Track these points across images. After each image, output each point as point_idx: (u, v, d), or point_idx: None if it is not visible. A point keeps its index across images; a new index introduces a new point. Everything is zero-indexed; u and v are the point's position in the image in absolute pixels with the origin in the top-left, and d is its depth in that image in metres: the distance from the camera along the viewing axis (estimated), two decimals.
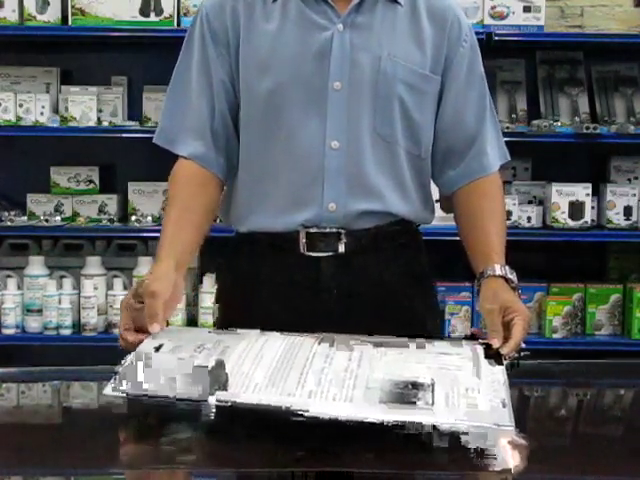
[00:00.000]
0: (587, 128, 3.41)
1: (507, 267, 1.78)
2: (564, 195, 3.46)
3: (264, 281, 1.82)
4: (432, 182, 1.90)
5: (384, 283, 1.82)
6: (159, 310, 1.59)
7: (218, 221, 3.52)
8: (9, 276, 3.56)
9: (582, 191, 3.46)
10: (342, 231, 1.77)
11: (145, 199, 3.60)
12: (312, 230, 1.77)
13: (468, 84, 1.83)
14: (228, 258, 1.90)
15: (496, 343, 1.59)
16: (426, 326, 1.84)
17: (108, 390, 1.37)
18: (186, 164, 1.82)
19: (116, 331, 3.48)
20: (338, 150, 1.75)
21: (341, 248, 1.78)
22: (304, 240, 1.78)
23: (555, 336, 3.52)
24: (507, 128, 3.43)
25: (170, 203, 1.81)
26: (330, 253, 1.78)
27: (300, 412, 1.30)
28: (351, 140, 1.76)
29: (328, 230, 1.77)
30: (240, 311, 1.82)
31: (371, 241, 1.80)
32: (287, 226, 1.78)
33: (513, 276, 1.76)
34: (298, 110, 1.75)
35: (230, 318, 1.84)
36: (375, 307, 1.81)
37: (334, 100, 1.74)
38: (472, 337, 1.66)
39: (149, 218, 3.54)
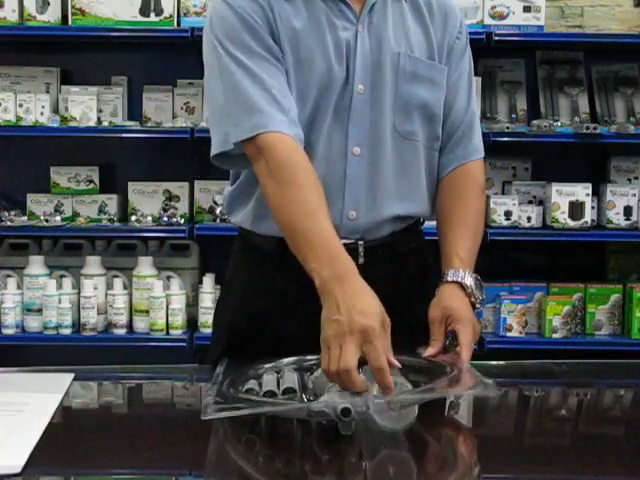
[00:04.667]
0: (587, 128, 3.40)
1: (467, 272, 1.70)
2: (564, 195, 3.46)
3: (277, 292, 1.77)
4: None
5: (398, 290, 1.78)
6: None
7: (218, 221, 3.54)
8: (9, 276, 3.56)
9: (582, 191, 3.46)
10: (360, 243, 1.74)
11: (145, 199, 3.60)
12: None
13: (460, 76, 1.84)
14: (235, 262, 1.86)
15: (429, 351, 1.60)
16: None
17: None
18: (284, 138, 1.61)
19: (116, 331, 3.48)
20: (359, 156, 1.73)
21: (360, 260, 1.72)
22: None
23: (555, 336, 3.51)
24: (507, 128, 3.43)
25: (297, 184, 1.58)
26: None
27: None
28: (372, 145, 1.73)
29: (346, 241, 1.66)
30: (251, 322, 1.79)
31: (387, 250, 1.77)
32: None
33: (470, 281, 1.69)
34: (323, 115, 1.70)
35: (239, 327, 1.81)
36: (391, 315, 1.78)
37: (358, 104, 1.71)
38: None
39: (149, 218, 3.53)
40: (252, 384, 1.43)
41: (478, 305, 1.71)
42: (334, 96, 1.70)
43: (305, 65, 1.69)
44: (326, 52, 1.69)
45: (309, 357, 1.58)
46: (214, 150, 1.69)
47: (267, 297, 1.78)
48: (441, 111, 1.81)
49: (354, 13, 1.72)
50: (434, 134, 1.81)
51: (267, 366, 1.54)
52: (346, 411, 1.27)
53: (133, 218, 3.55)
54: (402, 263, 1.81)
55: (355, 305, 1.44)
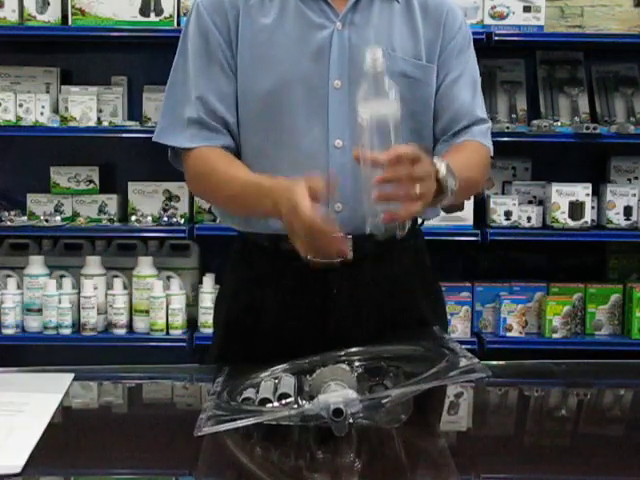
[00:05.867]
0: (587, 128, 3.40)
1: (451, 174, 1.58)
2: (564, 195, 3.46)
3: (270, 286, 1.79)
4: None
5: (391, 287, 1.79)
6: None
7: (218, 221, 3.54)
8: (9, 276, 3.56)
9: (582, 191, 3.46)
10: (349, 237, 1.73)
11: (145, 199, 3.60)
12: None
13: (459, 75, 1.83)
14: (232, 260, 1.88)
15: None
16: (432, 327, 1.82)
17: None
18: (203, 150, 1.78)
19: (116, 331, 3.48)
20: (342, 149, 1.75)
21: (350, 255, 1.71)
22: None
23: (555, 336, 3.51)
24: (507, 128, 3.42)
25: (217, 173, 1.75)
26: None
27: None
28: (354, 138, 1.75)
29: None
30: (245, 316, 1.80)
31: (378, 245, 1.76)
32: None
33: (443, 166, 1.58)
34: (299, 110, 1.75)
35: (234, 323, 1.83)
36: (382, 312, 1.78)
37: (335, 98, 1.75)
38: None
39: (149, 218, 3.53)
40: (249, 392, 1.43)
41: (448, 192, 1.59)
42: (305, 90, 1.74)
43: (270, 61, 1.75)
44: (295, 49, 1.74)
45: (301, 360, 1.57)
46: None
47: (261, 289, 1.80)
48: (426, 110, 1.81)
49: (335, 12, 1.77)
50: (419, 134, 1.80)
51: (263, 375, 1.53)
52: (338, 412, 1.27)
53: (133, 218, 3.55)
54: (396, 260, 1.81)
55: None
